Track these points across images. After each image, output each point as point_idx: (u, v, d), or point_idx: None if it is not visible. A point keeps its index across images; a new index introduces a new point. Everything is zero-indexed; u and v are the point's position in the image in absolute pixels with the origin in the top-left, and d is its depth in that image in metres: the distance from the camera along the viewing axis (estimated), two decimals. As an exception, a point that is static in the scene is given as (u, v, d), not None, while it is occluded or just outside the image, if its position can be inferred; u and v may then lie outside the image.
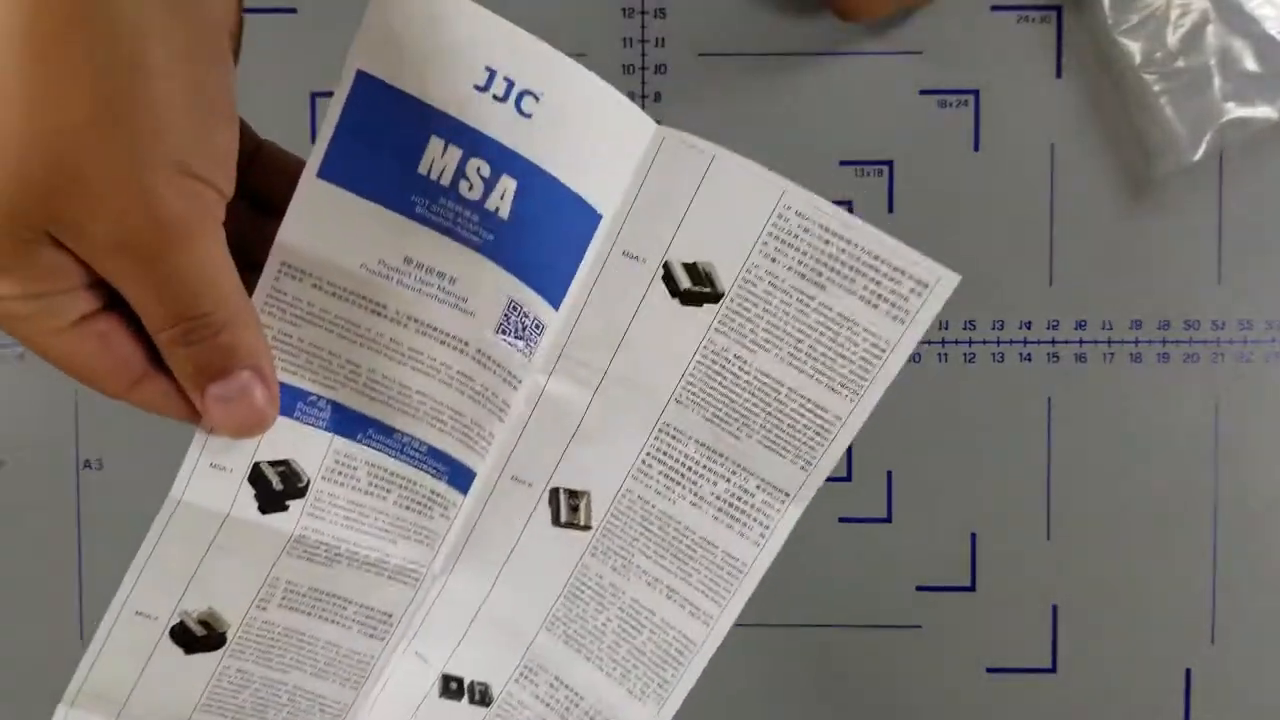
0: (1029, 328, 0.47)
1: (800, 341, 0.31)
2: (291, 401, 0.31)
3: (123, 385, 0.30)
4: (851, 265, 0.31)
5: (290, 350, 0.31)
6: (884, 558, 0.47)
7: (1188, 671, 0.47)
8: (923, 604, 0.47)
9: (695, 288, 0.32)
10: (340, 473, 0.32)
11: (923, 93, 0.47)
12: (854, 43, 0.46)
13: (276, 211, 0.33)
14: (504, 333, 0.31)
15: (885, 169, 0.47)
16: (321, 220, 0.30)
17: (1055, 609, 0.47)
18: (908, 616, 0.47)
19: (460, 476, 0.33)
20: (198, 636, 0.33)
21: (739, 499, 0.33)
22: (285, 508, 0.32)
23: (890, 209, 0.47)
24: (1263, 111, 0.45)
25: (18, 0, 0.25)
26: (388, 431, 0.32)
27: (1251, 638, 0.47)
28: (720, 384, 0.32)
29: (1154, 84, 0.45)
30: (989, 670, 0.48)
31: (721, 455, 0.32)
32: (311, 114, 0.46)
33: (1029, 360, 0.47)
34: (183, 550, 0.32)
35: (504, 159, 0.30)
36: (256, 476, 0.32)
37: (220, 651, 0.33)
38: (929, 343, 0.47)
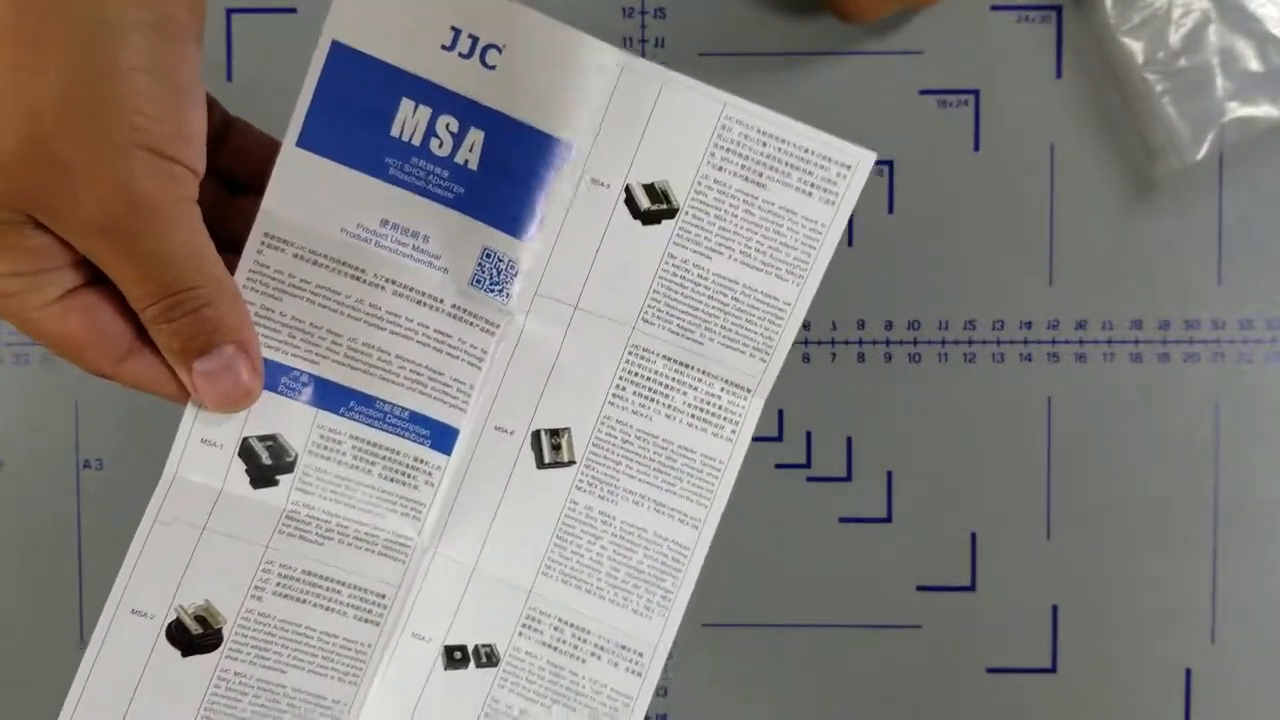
0: (1029, 328, 0.47)
1: (749, 240, 0.34)
2: (275, 376, 0.33)
3: (109, 361, 0.31)
4: (787, 161, 0.34)
5: (272, 325, 0.32)
6: (884, 558, 0.47)
7: (1187, 671, 0.47)
8: (923, 604, 0.47)
9: (654, 206, 0.34)
10: (326, 447, 0.33)
11: (923, 93, 0.47)
12: (854, 43, 0.46)
13: (246, 189, 0.34)
14: (478, 283, 0.33)
15: (885, 169, 0.47)
16: (302, 188, 0.32)
17: (1055, 609, 0.47)
18: (908, 616, 0.47)
19: (443, 438, 0.34)
20: (194, 635, 0.33)
21: (707, 403, 0.35)
22: (275, 482, 0.33)
23: (890, 209, 0.47)
24: (1265, 111, 0.45)
25: None
26: (369, 402, 0.33)
27: (1251, 638, 0.47)
28: (681, 294, 0.34)
29: (1156, 84, 0.45)
30: (989, 670, 0.48)
31: (687, 365, 0.35)
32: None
33: (1029, 360, 0.47)
34: (177, 535, 0.32)
35: (470, 112, 0.32)
36: (246, 451, 0.33)
37: (217, 653, 0.33)
38: (929, 343, 0.47)
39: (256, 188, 0.32)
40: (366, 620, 0.34)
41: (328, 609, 0.34)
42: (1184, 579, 0.47)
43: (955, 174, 0.47)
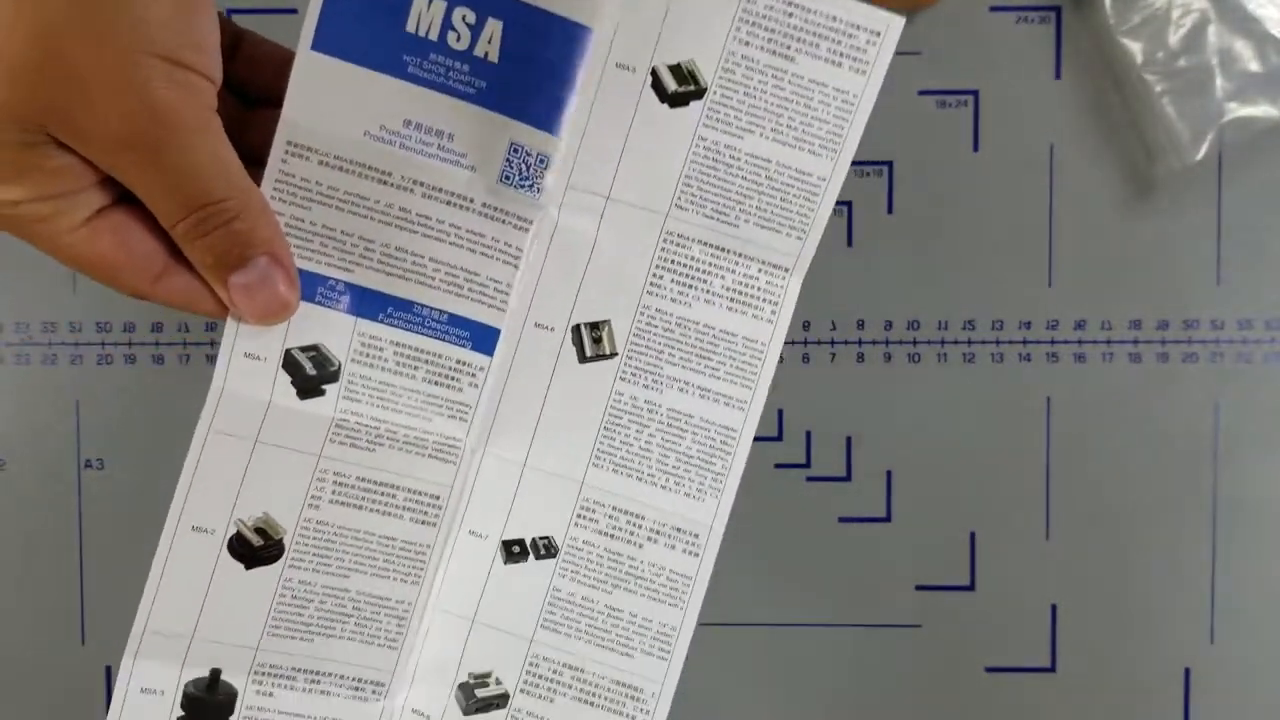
0: (1028, 328, 0.47)
1: (780, 116, 0.33)
2: (311, 287, 0.32)
3: (146, 281, 0.31)
4: (814, 32, 0.33)
5: (303, 235, 0.32)
6: (884, 557, 0.47)
7: (1187, 671, 0.47)
8: (922, 603, 0.47)
9: (681, 88, 0.33)
10: (368, 354, 0.33)
11: (922, 93, 0.47)
12: (854, 43, 0.46)
13: (262, 102, 0.34)
14: (507, 180, 0.33)
15: (885, 169, 0.47)
16: (321, 93, 0.31)
17: (1055, 609, 0.47)
18: (907, 616, 0.47)
19: (483, 339, 0.34)
20: (255, 548, 0.33)
21: (746, 285, 0.35)
22: (322, 392, 0.33)
23: (890, 209, 0.47)
24: (1264, 111, 0.45)
25: None
26: (407, 307, 0.33)
27: (1251, 638, 0.47)
28: (714, 177, 0.34)
29: (1155, 84, 0.45)
30: (988, 670, 0.48)
31: (723, 249, 0.34)
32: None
33: (1028, 360, 0.47)
34: (230, 450, 0.33)
35: (486, 2, 0.31)
36: (289, 363, 0.33)
37: (280, 564, 0.33)
38: (929, 343, 0.47)
39: (273, 99, 0.32)
40: (423, 522, 0.34)
41: (384, 513, 0.34)
42: (1183, 579, 0.47)
43: (955, 174, 0.47)
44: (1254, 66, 0.45)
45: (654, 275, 0.34)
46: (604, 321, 0.34)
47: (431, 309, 0.33)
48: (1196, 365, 0.47)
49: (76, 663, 0.48)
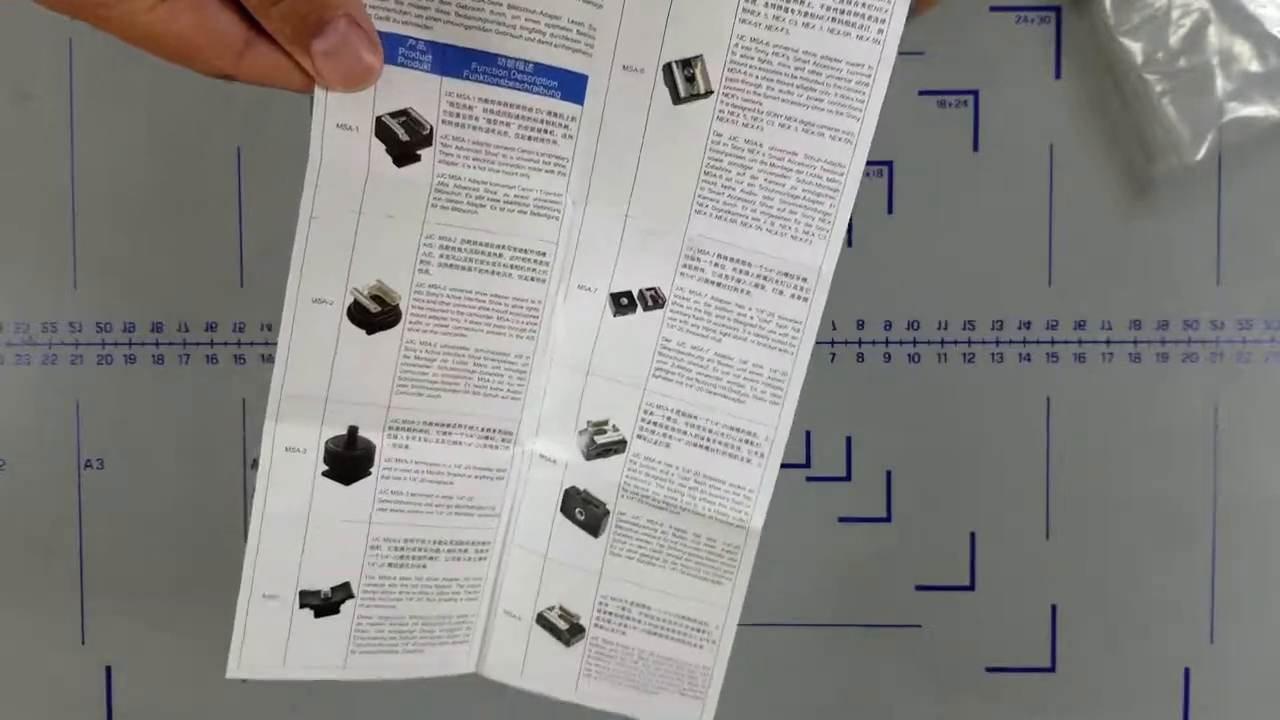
0: (1028, 328, 0.47)
1: None
2: (393, 48, 0.32)
3: (228, 58, 0.30)
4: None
5: None
6: (884, 558, 0.47)
7: (1187, 671, 0.47)
8: (922, 604, 0.47)
9: None
10: (458, 114, 0.33)
11: (922, 93, 0.47)
12: (854, 43, 0.46)
13: None
14: None
15: (885, 169, 0.47)
16: None
17: (1055, 609, 0.47)
18: (907, 616, 0.47)
19: (572, 87, 0.33)
20: (374, 314, 0.34)
21: (848, 1, 0.33)
22: (417, 158, 0.33)
23: (890, 209, 0.47)
24: (1264, 111, 0.45)
25: None
26: (490, 60, 0.33)
27: (1251, 638, 0.47)
28: None
29: (1156, 84, 0.45)
30: (988, 670, 0.48)
31: None
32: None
33: (1028, 360, 0.47)
34: (337, 223, 0.33)
35: None
36: (381, 130, 0.33)
37: (399, 327, 0.34)
38: (929, 343, 0.47)
39: None
40: (532, 279, 0.34)
41: (493, 272, 0.34)
42: (1183, 578, 0.47)
43: (955, 174, 0.47)
44: (1254, 66, 0.45)
45: (746, 1, 0.33)
46: (696, 57, 0.33)
47: (515, 60, 0.32)
48: (1196, 365, 0.47)
49: (76, 663, 0.48)
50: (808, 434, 0.47)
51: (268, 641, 0.35)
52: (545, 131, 0.33)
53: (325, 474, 0.34)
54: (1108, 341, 0.47)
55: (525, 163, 0.33)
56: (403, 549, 0.35)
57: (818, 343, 0.47)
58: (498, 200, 0.33)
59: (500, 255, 0.34)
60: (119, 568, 0.47)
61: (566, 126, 0.33)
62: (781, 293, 0.35)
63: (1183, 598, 0.47)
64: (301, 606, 0.35)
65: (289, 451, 0.34)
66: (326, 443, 0.34)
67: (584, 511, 0.36)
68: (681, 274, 0.35)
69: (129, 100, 0.46)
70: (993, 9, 0.46)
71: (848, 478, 0.47)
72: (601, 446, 0.36)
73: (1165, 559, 0.47)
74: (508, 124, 0.33)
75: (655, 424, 0.36)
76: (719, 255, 0.35)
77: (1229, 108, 0.45)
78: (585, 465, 0.36)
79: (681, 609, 0.37)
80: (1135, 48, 0.45)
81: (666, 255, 0.35)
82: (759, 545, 0.48)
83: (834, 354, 0.47)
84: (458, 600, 0.36)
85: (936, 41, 0.46)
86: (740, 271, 0.35)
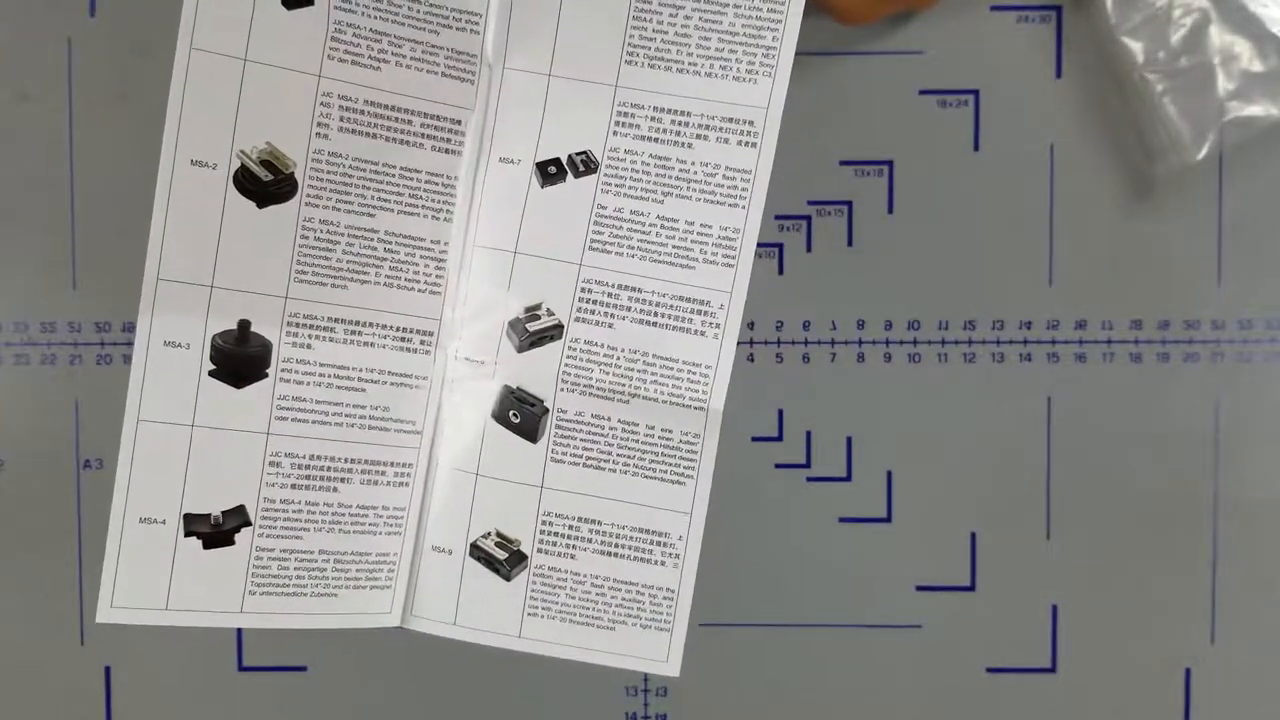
0: (1029, 328, 0.47)
1: None
2: None
3: None
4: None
5: None
6: (884, 558, 0.47)
7: (1187, 671, 0.47)
8: (922, 604, 0.47)
9: None
10: None
11: (923, 93, 0.47)
12: (854, 43, 0.46)
13: None
14: None
15: (885, 169, 0.47)
16: None
17: (1055, 609, 0.47)
18: (907, 616, 0.47)
19: None
20: (265, 182, 0.30)
21: None
22: (310, 1, 0.30)
23: (890, 209, 0.47)
24: (1265, 111, 0.45)
25: None
26: None
27: (1251, 638, 0.47)
28: None
29: (1156, 84, 0.45)
30: (989, 670, 0.48)
31: None
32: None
33: (1029, 360, 0.47)
34: (218, 69, 0.29)
35: None
36: None
37: (295, 200, 0.30)
38: (929, 343, 0.47)
39: None
40: (447, 150, 0.31)
41: (403, 142, 0.31)
42: (1184, 579, 0.47)
43: (955, 174, 0.47)
44: (1254, 66, 0.45)
45: None
46: None
47: None
48: (1197, 365, 0.47)
49: (76, 663, 0.48)
50: (808, 434, 0.47)
51: (147, 578, 0.30)
52: None
53: (212, 374, 0.30)
54: (1108, 341, 0.47)
55: (433, 17, 0.30)
56: (308, 468, 0.31)
57: (819, 343, 0.48)
58: (404, 56, 0.30)
59: (409, 122, 0.31)
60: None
61: None
62: (727, 141, 0.32)
63: (1183, 598, 0.47)
64: (187, 534, 0.30)
65: (168, 347, 0.30)
66: (214, 338, 0.30)
67: (518, 413, 0.32)
68: (614, 133, 0.32)
69: (129, 100, 0.46)
70: (993, 9, 0.46)
71: (848, 478, 0.47)
72: (534, 334, 0.32)
73: (1166, 559, 0.47)
74: None
75: (594, 302, 0.32)
76: (654, 108, 0.32)
77: (1230, 107, 0.45)
78: (517, 359, 0.32)
79: (637, 520, 0.33)
80: (1136, 47, 0.45)
81: (596, 114, 0.32)
82: (759, 544, 0.48)
83: (834, 354, 0.47)
84: (376, 534, 0.32)
85: (937, 41, 0.46)
86: (679, 123, 0.32)
